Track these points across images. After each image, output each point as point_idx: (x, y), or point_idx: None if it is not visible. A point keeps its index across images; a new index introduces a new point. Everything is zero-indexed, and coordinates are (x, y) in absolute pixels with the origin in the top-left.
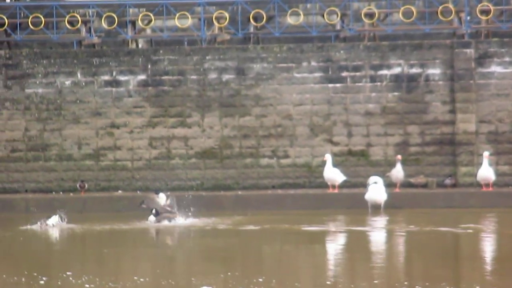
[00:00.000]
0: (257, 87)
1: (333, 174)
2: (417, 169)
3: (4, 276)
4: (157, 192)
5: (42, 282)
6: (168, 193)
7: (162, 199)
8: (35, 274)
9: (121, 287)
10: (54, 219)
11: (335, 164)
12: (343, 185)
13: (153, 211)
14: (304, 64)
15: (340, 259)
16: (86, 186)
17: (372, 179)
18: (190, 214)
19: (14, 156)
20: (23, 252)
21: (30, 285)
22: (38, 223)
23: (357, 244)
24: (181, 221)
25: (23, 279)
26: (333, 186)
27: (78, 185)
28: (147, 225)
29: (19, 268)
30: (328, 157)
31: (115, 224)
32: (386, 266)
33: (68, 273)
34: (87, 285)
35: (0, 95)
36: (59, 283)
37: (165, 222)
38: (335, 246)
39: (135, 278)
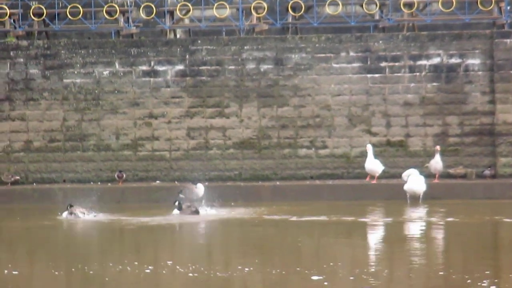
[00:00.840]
0: (296, 77)
1: (374, 165)
2: (456, 159)
3: (110, 264)
4: (195, 182)
5: (148, 270)
6: (206, 183)
7: (200, 189)
8: (136, 263)
9: (231, 276)
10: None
11: (374, 155)
12: (381, 176)
13: (176, 203)
14: (343, 54)
15: (381, 249)
16: (124, 176)
17: (407, 173)
18: (233, 204)
19: (52, 146)
20: (95, 242)
21: (137, 274)
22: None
23: (396, 235)
24: (206, 212)
25: (128, 268)
26: (372, 177)
27: (116, 176)
28: (181, 218)
29: (115, 257)
30: (370, 148)
31: (156, 215)
32: (426, 256)
33: (169, 262)
34: (191, 274)
35: (39, 85)
36: (164, 271)
37: (190, 214)
38: (375, 236)
39: (239, 267)
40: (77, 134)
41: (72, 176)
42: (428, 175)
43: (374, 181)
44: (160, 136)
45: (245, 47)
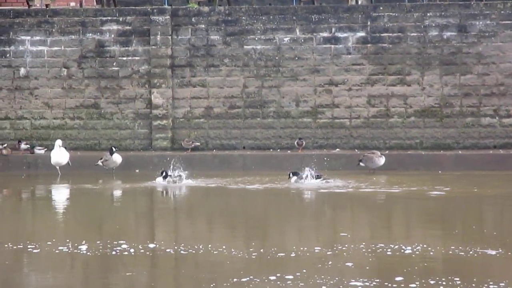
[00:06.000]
0: (479, 44)
1: None
2: None
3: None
4: (374, 152)
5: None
6: (387, 152)
7: (381, 158)
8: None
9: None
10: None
11: None
12: None
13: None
14: None
15: None
16: (304, 143)
17: None
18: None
19: (232, 112)
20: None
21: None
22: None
23: None
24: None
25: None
26: None
27: (296, 143)
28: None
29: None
30: None
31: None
32: None
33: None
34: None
35: (219, 51)
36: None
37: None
38: None
39: (419, 240)
40: (257, 100)
41: (252, 143)
42: None
43: None
44: (340, 103)
45: (428, 14)
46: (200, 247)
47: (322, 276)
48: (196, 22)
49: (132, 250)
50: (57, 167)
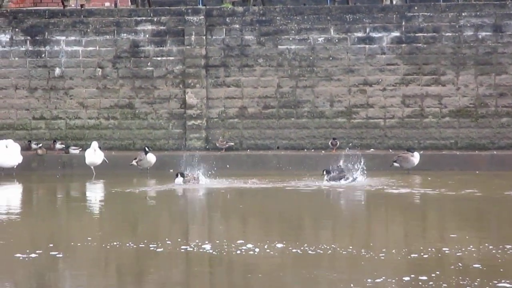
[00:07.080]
0: None
1: None
2: None
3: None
4: (411, 150)
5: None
6: (421, 152)
7: (416, 157)
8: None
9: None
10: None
11: None
12: None
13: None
14: None
15: None
16: (338, 143)
17: None
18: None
19: (266, 112)
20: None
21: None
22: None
23: None
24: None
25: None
26: None
27: (330, 143)
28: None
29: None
30: None
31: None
32: None
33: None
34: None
35: (254, 51)
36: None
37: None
38: None
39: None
40: (291, 100)
41: (286, 143)
42: None
43: None
44: (375, 103)
45: (463, 14)
46: (325, 246)
47: (460, 277)
48: (230, 22)
49: (257, 250)
50: (92, 167)
